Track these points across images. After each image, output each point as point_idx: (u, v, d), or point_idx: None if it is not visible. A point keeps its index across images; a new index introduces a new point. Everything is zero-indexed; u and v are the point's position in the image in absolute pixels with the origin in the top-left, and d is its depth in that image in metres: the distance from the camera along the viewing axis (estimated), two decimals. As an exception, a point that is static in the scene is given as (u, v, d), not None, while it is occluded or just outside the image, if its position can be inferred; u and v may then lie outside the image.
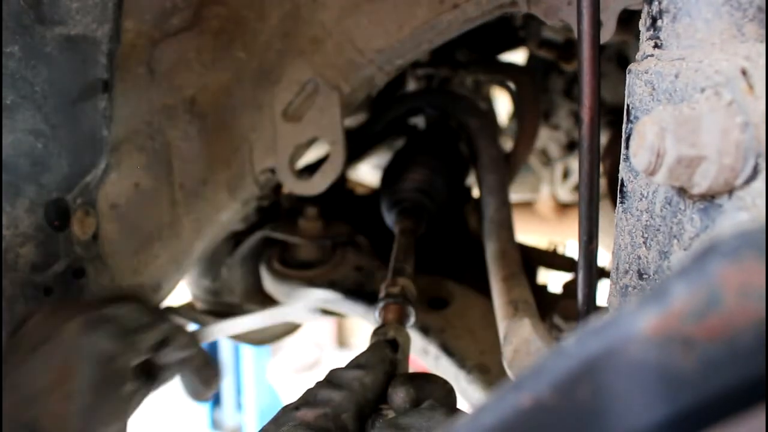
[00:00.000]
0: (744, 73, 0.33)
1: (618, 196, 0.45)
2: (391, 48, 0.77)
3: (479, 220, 0.96)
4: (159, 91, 0.75)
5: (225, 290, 1.11)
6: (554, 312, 0.82)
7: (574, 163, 1.56)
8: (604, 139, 1.25)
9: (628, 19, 0.70)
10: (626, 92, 0.43)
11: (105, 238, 0.72)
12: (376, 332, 0.62)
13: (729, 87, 0.34)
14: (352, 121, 1.14)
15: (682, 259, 0.39)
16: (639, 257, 0.43)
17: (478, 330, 0.90)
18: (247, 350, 3.58)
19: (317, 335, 4.22)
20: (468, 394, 0.85)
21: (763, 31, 0.37)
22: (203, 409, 3.69)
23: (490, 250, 0.83)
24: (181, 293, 0.97)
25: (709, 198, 0.36)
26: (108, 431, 0.57)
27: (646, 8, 0.42)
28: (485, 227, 0.88)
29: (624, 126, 0.44)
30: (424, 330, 0.90)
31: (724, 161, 0.33)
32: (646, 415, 0.20)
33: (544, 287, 0.99)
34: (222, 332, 0.99)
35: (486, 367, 0.85)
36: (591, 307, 0.56)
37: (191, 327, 0.96)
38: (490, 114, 1.32)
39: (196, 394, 0.68)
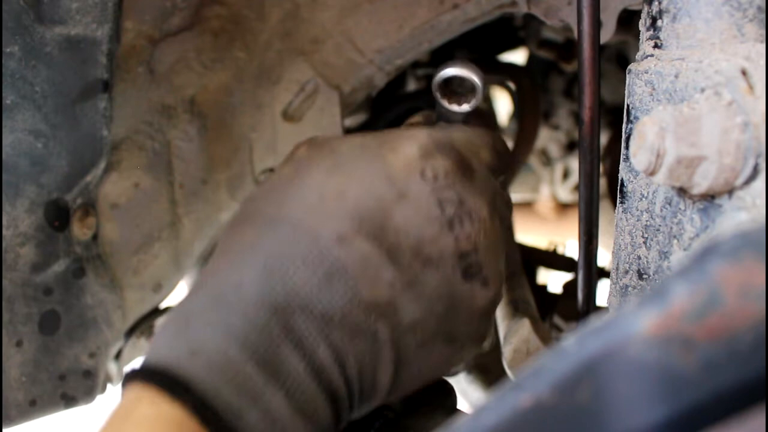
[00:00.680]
0: (744, 73, 0.33)
1: (618, 196, 0.45)
2: (391, 48, 0.77)
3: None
4: (159, 91, 0.75)
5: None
6: (554, 312, 0.82)
7: (574, 163, 1.56)
8: (604, 139, 1.25)
9: (628, 19, 0.70)
10: (626, 92, 0.43)
11: (105, 238, 0.72)
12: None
13: (729, 87, 0.34)
14: (352, 121, 1.14)
15: (682, 259, 0.39)
16: (639, 257, 0.43)
17: (478, 330, 0.90)
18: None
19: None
20: (468, 394, 0.85)
21: (763, 31, 0.37)
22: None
23: (490, 250, 0.83)
24: (181, 293, 0.97)
25: (709, 198, 0.36)
26: None
27: (646, 8, 0.42)
28: (485, 227, 0.88)
29: (624, 126, 0.44)
30: (424, 330, 0.90)
31: (724, 161, 0.33)
32: (646, 415, 0.20)
33: (544, 287, 0.99)
34: None
35: (486, 367, 0.85)
36: (591, 307, 0.56)
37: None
38: (490, 114, 1.32)
39: None
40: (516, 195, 1.64)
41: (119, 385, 0.39)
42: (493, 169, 0.49)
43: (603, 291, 0.53)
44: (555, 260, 1.04)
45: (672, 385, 0.19)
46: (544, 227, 1.67)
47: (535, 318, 0.66)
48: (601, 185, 0.54)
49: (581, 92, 0.48)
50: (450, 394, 0.54)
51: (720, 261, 0.20)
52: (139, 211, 0.75)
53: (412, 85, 1.18)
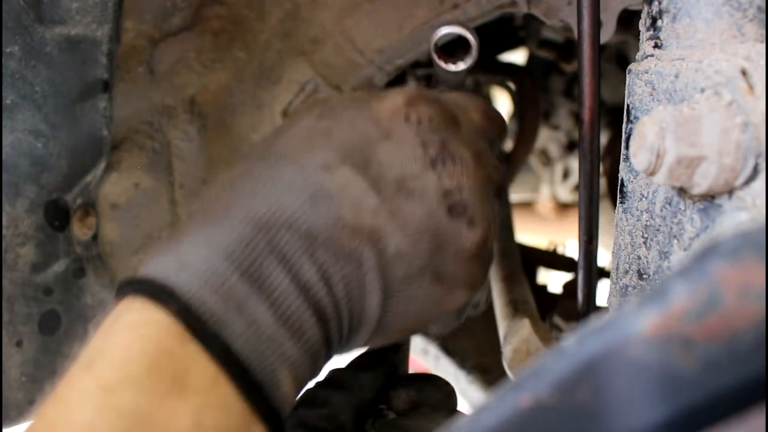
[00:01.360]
0: (744, 73, 0.33)
1: (618, 196, 0.45)
2: (391, 48, 0.77)
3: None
4: (159, 91, 0.75)
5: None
6: (554, 312, 0.82)
7: (574, 163, 1.56)
8: (604, 139, 1.25)
9: (628, 19, 0.70)
10: (626, 92, 0.43)
11: (105, 238, 0.72)
12: (376, 332, 0.62)
13: (729, 87, 0.34)
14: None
15: (682, 259, 0.39)
16: (639, 257, 0.43)
17: (478, 330, 0.90)
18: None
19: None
20: (468, 394, 0.85)
21: (763, 31, 0.37)
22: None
23: (490, 250, 0.83)
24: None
25: (709, 198, 0.36)
26: None
27: (646, 8, 0.42)
28: (485, 227, 0.88)
29: (624, 126, 0.44)
30: (424, 330, 0.90)
31: (724, 161, 0.33)
32: (646, 416, 0.20)
33: (544, 287, 0.99)
34: None
35: (486, 367, 0.85)
36: (591, 307, 0.56)
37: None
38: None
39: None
40: (516, 195, 1.64)
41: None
42: (483, 132, 0.50)
43: (603, 291, 0.53)
44: (555, 260, 1.04)
45: (672, 385, 0.19)
46: (544, 227, 1.67)
47: (535, 318, 0.66)
48: (601, 185, 0.54)
49: (581, 92, 0.48)
50: (450, 394, 0.54)
51: (720, 261, 0.20)
52: (139, 211, 0.75)
53: (412, 85, 1.18)
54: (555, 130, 1.50)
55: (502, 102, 1.57)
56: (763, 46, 0.36)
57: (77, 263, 0.68)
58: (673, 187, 0.39)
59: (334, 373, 0.53)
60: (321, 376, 0.54)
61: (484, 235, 0.45)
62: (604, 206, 1.12)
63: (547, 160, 1.59)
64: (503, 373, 0.68)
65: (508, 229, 0.87)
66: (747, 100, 0.33)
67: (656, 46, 0.41)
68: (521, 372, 0.23)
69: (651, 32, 0.42)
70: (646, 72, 0.41)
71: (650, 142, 0.35)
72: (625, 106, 0.43)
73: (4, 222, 0.61)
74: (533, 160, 1.59)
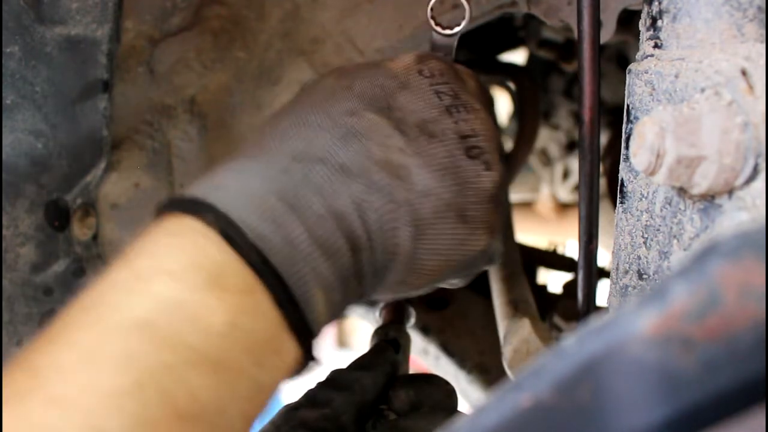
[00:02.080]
0: (744, 73, 0.33)
1: (618, 196, 0.45)
2: (391, 48, 0.77)
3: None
4: (159, 91, 0.75)
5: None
6: (554, 312, 0.82)
7: (574, 163, 1.56)
8: (604, 139, 1.25)
9: (628, 19, 0.70)
10: (626, 92, 0.43)
11: (105, 238, 0.72)
12: (376, 333, 0.62)
13: (729, 87, 0.34)
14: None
15: (682, 259, 0.39)
16: (639, 257, 0.43)
17: (478, 330, 0.90)
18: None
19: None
20: (468, 394, 0.85)
21: (763, 31, 0.37)
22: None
23: (490, 250, 0.83)
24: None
25: (709, 198, 0.36)
26: None
27: (646, 8, 0.42)
28: (485, 227, 0.88)
29: (624, 126, 0.44)
30: (424, 330, 0.90)
31: (724, 161, 0.33)
32: (646, 415, 0.20)
33: (544, 287, 0.99)
34: None
35: (486, 367, 0.85)
36: (591, 307, 0.56)
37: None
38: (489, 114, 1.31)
39: None
40: (516, 195, 1.64)
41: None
42: (480, 96, 0.53)
43: (603, 291, 0.53)
44: (555, 260, 1.04)
45: (672, 385, 0.19)
46: (544, 227, 1.67)
47: (535, 318, 0.66)
48: (601, 185, 0.54)
49: (581, 92, 0.48)
50: (450, 394, 0.54)
51: (720, 261, 0.20)
52: (139, 211, 0.75)
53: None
54: (555, 130, 1.50)
55: (502, 102, 1.57)
56: (763, 46, 0.36)
57: (77, 263, 0.68)
58: (673, 187, 0.39)
59: (335, 373, 0.53)
60: (322, 377, 0.54)
61: (500, 177, 0.48)
62: (604, 206, 1.12)
63: (547, 160, 1.59)
64: (503, 373, 0.67)
65: (508, 229, 0.87)
66: (747, 100, 0.33)
67: (656, 46, 0.41)
68: (521, 372, 0.23)
69: (651, 32, 0.42)
70: (646, 72, 0.41)
71: (650, 142, 0.34)
72: (625, 106, 0.43)
73: (4, 222, 0.61)
74: (533, 160, 1.59)
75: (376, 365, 0.54)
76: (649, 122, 0.35)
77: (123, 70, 0.69)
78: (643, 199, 0.42)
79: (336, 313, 0.43)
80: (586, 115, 0.49)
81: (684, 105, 0.35)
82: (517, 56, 1.29)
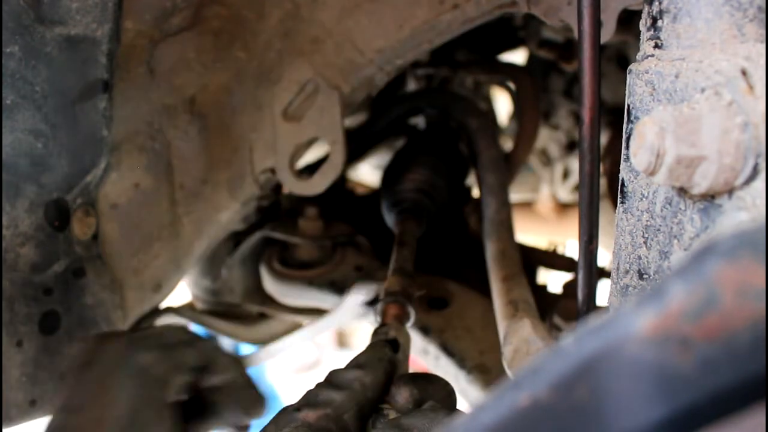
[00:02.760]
0: (744, 73, 0.33)
1: (618, 196, 0.45)
2: (391, 48, 0.77)
3: (479, 220, 0.96)
4: (159, 91, 0.75)
5: (225, 290, 1.11)
6: (554, 312, 0.82)
7: (574, 163, 1.56)
8: (604, 139, 1.25)
9: (628, 19, 0.70)
10: (627, 92, 0.43)
11: (105, 238, 0.72)
12: (376, 332, 0.62)
13: (729, 87, 0.34)
14: (352, 121, 1.14)
15: (681, 259, 0.39)
16: (639, 257, 0.43)
17: (478, 330, 0.90)
18: (247, 350, 3.57)
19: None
20: (468, 394, 0.85)
21: (763, 31, 0.37)
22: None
23: (490, 250, 0.83)
24: (181, 293, 0.97)
25: (709, 198, 0.36)
26: None
27: (646, 8, 0.42)
28: (485, 227, 0.88)
29: (624, 126, 0.44)
30: (424, 330, 0.90)
31: (724, 161, 0.33)
32: (644, 415, 0.20)
33: (544, 287, 0.98)
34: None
35: (486, 367, 0.85)
36: (591, 307, 0.56)
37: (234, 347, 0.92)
38: (490, 114, 1.31)
39: (235, 423, 0.62)
40: (516, 195, 1.64)
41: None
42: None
43: (603, 291, 0.53)
44: (555, 260, 1.04)
45: (669, 384, 0.19)
46: (544, 227, 1.67)
47: (535, 318, 0.66)
48: (601, 185, 0.54)
49: (581, 92, 0.48)
50: (450, 393, 0.54)
51: (718, 261, 0.20)
52: (139, 211, 0.75)
53: (412, 85, 1.18)
54: (555, 130, 1.50)
55: (502, 102, 1.57)
56: (763, 46, 0.36)
57: (77, 263, 0.68)
58: (673, 187, 0.39)
59: (336, 372, 0.53)
60: (321, 377, 0.54)
61: None
62: (604, 206, 1.12)
63: (547, 160, 1.59)
64: (503, 373, 0.67)
65: (508, 229, 0.87)
66: (747, 100, 0.33)
67: (657, 46, 0.41)
68: (520, 371, 0.23)
69: (651, 32, 0.42)
70: (647, 72, 0.41)
71: (650, 142, 0.34)
72: (626, 106, 0.43)
73: (4, 222, 0.61)
74: (533, 160, 1.59)
75: (375, 364, 0.54)
76: (649, 122, 0.35)
77: (123, 70, 0.69)
78: (644, 199, 0.42)
79: None
80: (586, 115, 0.49)
81: (684, 105, 0.35)
82: (517, 56, 1.29)
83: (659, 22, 0.41)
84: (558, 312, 0.82)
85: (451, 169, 1.00)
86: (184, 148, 0.79)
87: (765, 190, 0.32)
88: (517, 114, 1.15)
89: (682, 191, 0.39)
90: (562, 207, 1.65)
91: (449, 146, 1.04)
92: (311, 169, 0.89)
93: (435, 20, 0.73)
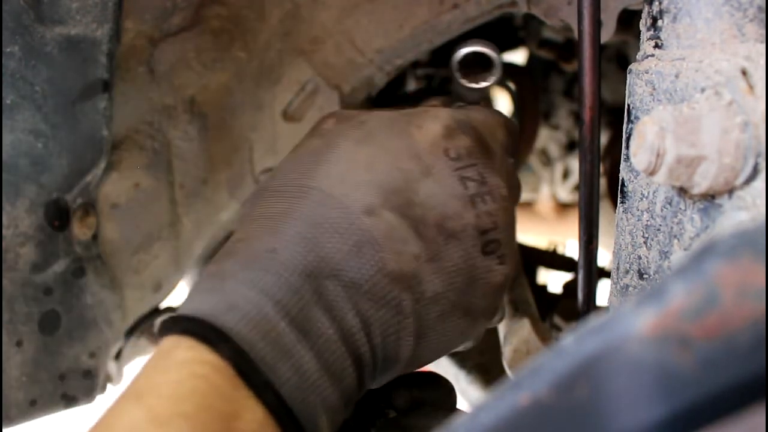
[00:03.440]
0: (744, 73, 0.33)
1: (618, 196, 0.45)
2: (391, 48, 0.77)
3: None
4: (159, 91, 0.75)
5: (225, 290, 1.11)
6: (554, 312, 0.82)
7: (574, 163, 1.56)
8: (604, 139, 1.25)
9: (628, 19, 0.70)
10: (626, 92, 0.43)
11: (105, 238, 0.72)
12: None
13: (729, 87, 0.34)
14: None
15: (681, 258, 0.39)
16: (639, 257, 0.43)
17: (478, 330, 0.90)
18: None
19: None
20: (468, 394, 0.85)
21: (763, 31, 0.37)
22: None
23: (490, 250, 0.83)
24: (181, 293, 0.97)
25: (709, 198, 0.36)
26: None
27: (646, 8, 0.42)
28: (485, 227, 0.88)
29: (624, 126, 0.44)
30: (424, 330, 0.90)
31: (724, 161, 0.33)
32: (644, 414, 0.20)
33: (544, 287, 0.98)
34: None
35: (486, 367, 0.85)
36: (591, 307, 0.56)
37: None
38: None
39: None
40: (516, 195, 1.64)
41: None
42: (508, 149, 0.51)
43: (603, 291, 0.53)
44: (555, 260, 1.04)
45: (669, 383, 0.19)
46: (544, 227, 1.67)
47: (535, 318, 0.66)
48: (601, 185, 0.54)
49: (581, 92, 0.48)
50: (450, 392, 0.54)
51: (717, 260, 0.20)
52: (139, 211, 0.75)
53: (412, 85, 1.18)
54: (555, 130, 1.50)
55: (502, 102, 1.57)
56: (763, 46, 0.36)
57: (77, 263, 0.68)
58: (673, 186, 0.39)
59: None
60: None
61: (511, 269, 0.47)
62: (604, 206, 1.12)
63: (547, 160, 1.59)
64: (503, 373, 0.67)
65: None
66: (747, 99, 0.33)
67: (656, 46, 0.41)
68: (520, 371, 0.23)
69: (651, 32, 0.42)
70: (647, 72, 0.41)
71: (650, 141, 0.34)
72: (626, 106, 0.43)
73: (4, 222, 0.61)
74: (533, 160, 1.59)
75: None
76: (649, 122, 0.35)
77: (123, 70, 0.69)
78: (644, 198, 0.42)
79: (336, 427, 0.43)
80: (586, 115, 0.49)
81: (684, 105, 0.36)
82: (517, 56, 1.29)
83: (659, 22, 0.41)
84: (558, 312, 0.82)
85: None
86: (184, 147, 0.79)
87: (765, 189, 0.32)
88: (517, 114, 1.15)
89: (682, 191, 0.39)
90: (562, 207, 1.65)
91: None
92: (311, 169, 0.89)
93: (435, 20, 0.73)
